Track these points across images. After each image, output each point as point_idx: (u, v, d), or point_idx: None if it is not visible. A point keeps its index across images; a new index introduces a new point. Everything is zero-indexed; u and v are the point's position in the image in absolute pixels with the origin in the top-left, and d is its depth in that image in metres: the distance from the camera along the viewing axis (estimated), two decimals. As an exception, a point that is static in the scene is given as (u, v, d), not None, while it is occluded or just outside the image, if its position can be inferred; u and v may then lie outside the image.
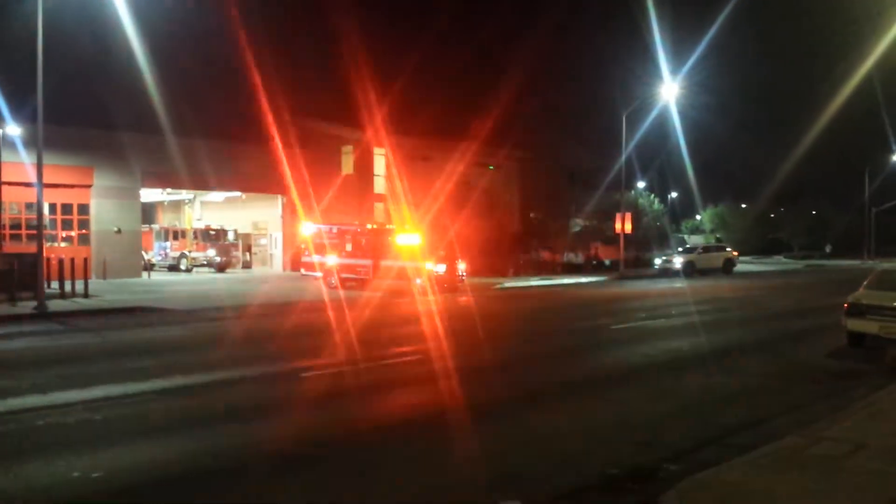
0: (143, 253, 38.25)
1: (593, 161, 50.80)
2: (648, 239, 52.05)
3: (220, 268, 39.65)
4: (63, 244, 33.44)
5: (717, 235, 77.03)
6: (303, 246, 32.08)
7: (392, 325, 18.06)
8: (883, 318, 13.77)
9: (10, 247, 29.51)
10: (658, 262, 43.51)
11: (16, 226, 32.75)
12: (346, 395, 10.14)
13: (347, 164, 42.60)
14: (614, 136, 42.16)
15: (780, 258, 73.49)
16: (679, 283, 34.25)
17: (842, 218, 78.29)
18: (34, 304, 19.79)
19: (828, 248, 77.92)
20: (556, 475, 6.90)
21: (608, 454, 7.53)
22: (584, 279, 37.73)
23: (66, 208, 34.06)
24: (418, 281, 26.55)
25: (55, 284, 23.40)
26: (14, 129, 28.20)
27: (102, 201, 34.30)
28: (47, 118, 20.30)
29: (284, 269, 42.15)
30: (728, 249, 47.83)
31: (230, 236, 41.78)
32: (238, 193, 42.32)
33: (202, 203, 45.26)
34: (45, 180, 21.54)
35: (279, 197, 42.04)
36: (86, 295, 23.04)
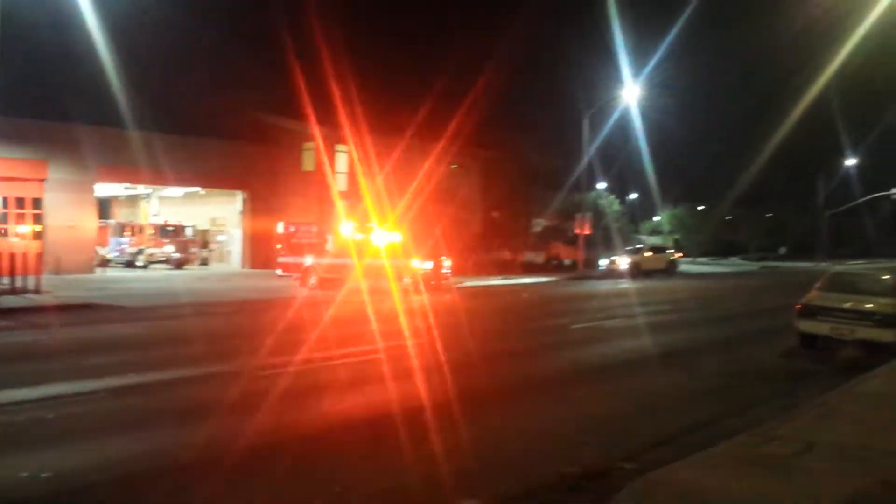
0: (99, 249, 37.56)
1: (555, 162, 51.19)
2: (609, 239, 52.50)
3: (179, 264, 39.09)
4: (14, 239, 32.67)
5: (676, 237, 78.12)
6: (279, 246, 31.51)
7: (360, 322, 17.92)
8: (834, 320, 14.08)
9: (-40, 241, 28.76)
10: (604, 263, 43.41)
11: (-35, 219, 31.99)
12: (304, 394, 10.05)
13: (309, 161, 42.27)
14: (577, 137, 42.47)
15: (736, 260, 74.75)
16: (627, 284, 34.41)
17: (797, 221, 79.93)
18: (-16, 299, 19.32)
19: (782, 251, 79.47)
20: (513, 474, 6.93)
21: (565, 453, 7.58)
22: (542, 279, 37.93)
23: (19, 202, 33.30)
24: (406, 280, 26.27)
25: (6, 280, 22.84)
26: (-35, 121, 27.52)
27: (56, 195, 33.58)
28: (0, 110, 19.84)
29: (243, 266, 41.72)
30: (671, 251, 48.21)
31: (188, 232, 41.22)
32: (197, 189, 41.77)
33: (159, 198, 44.57)
34: (-3, 173, 21.06)
35: (238, 193, 41.58)
36: (37, 291, 22.53)
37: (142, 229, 40.28)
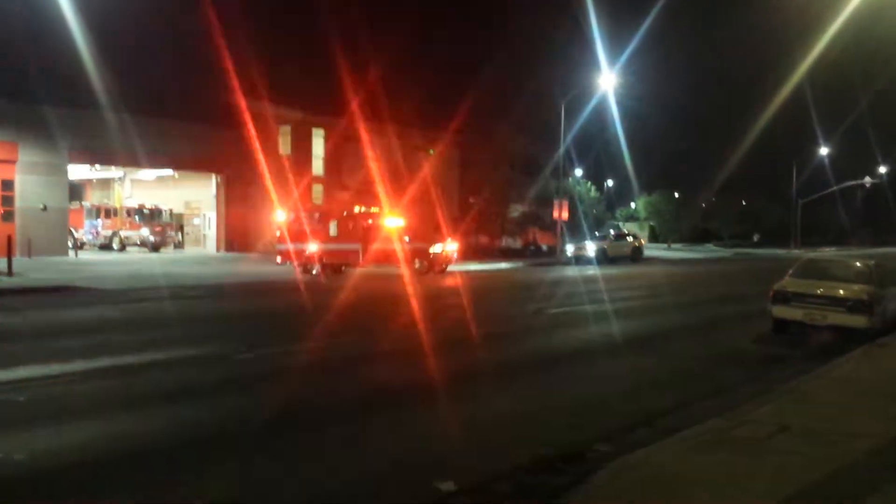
0: (74, 231, 37.10)
1: (532, 148, 51.20)
2: (588, 225, 52.65)
3: (155, 247, 38.72)
4: (-15, 221, 32.19)
5: (651, 223, 78.69)
6: (277, 234, 30.40)
7: (352, 308, 17.84)
8: (807, 306, 14.25)
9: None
10: (571, 249, 43.49)
11: (-65, 201, 31.42)
12: (280, 378, 10.01)
13: (285, 145, 41.97)
14: (555, 124, 42.47)
15: (710, 246, 75.44)
16: (594, 271, 34.28)
17: (771, 209, 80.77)
18: (-46, 282, 19.03)
19: (755, 238, 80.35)
20: (490, 456, 6.95)
21: (541, 436, 7.62)
22: (512, 265, 37.89)
23: (-10, 184, 32.80)
24: (417, 264, 26.19)
25: (-24, 262, 22.52)
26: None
27: (28, 177, 33.08)
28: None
29: (218, 249, 41.42)
30: (635, 238, 48.42)
31: (164, 215, 40.81)
32: (170, 172, 41.31)
33: (132, 181, 44.07)
34: (-34, 154, 20.69)
35: (213, 176, 41.23)
36: (9, 273, 22.24)
37: (117, 212, 39.82)
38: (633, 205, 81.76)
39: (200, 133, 38.41)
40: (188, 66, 38.56)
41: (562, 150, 41.89)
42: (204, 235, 43.83)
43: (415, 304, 18.51)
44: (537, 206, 51.00)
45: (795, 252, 57.42)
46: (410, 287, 22.41)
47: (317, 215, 29.53)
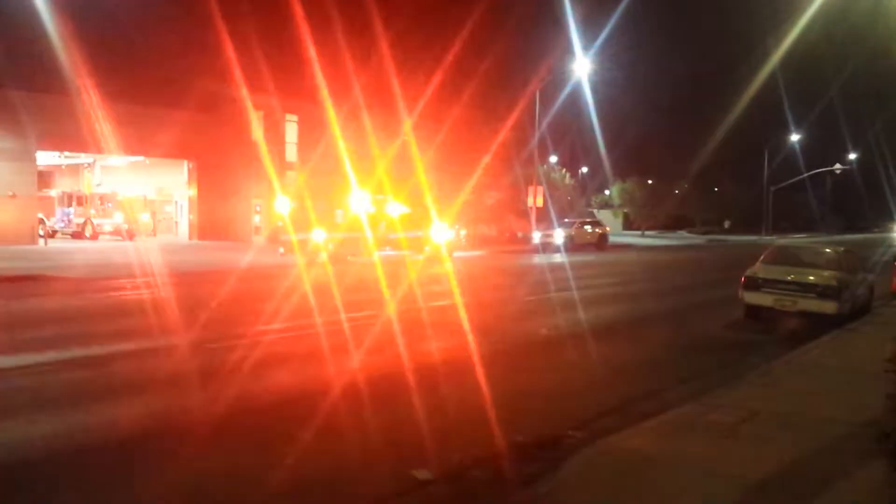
0: (45, 219, 36.51)
1: (506, 134, 51.09)
2: (562, 211, 52.75)
3: (129, 235, 38.20)
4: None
5: (626, 210, 79.11)
6: (280, 223, 29.46)
7: (328, 293, 17.73)
8: (778, 292, 14.44)
9: None
10: (537, 236, 43.40)
11: None
12: (254, 367, 9.93)
13: (257, 131, 41.55)
14: (529, 111, 42.50)
15: (683, 233, 76.11)
16: (562, 258, 34.41)
17: (743, 196, 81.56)
18: (-81, 270, 18.66)
19: (726, 224, 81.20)
20: (464, 443, 6.96)
21: (515, 422, 7.64)
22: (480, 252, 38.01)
23: (-46, 171, 32.17)
24: (427, 249, 26.09)
25: (-58, 250, 22.12)
26: None
27: (-6, 164, 32.52)
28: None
29: (191, 237, 41.01)
30: (599, 225, 48.67)
31: (137, 203, 40.25)
32: (141, 158, 40.76)
33: (102, 168, 43.40)
34: (-69, 140, 20.26)
35: (185, 162, 40.77)
36: (-23, 262, 21.89)
37: (90, 199, 39.15)
38: (607, 192, 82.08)
39: (170, 119, 37.85)
40: (160, 51, 38.07)
41: (536, 136, 41.93)
42: (176, 223, 43.35)
43: (417, 290, 18.46)
44: (512, 193, 50.96)
45: (767, 238, 58.12)
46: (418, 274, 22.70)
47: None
